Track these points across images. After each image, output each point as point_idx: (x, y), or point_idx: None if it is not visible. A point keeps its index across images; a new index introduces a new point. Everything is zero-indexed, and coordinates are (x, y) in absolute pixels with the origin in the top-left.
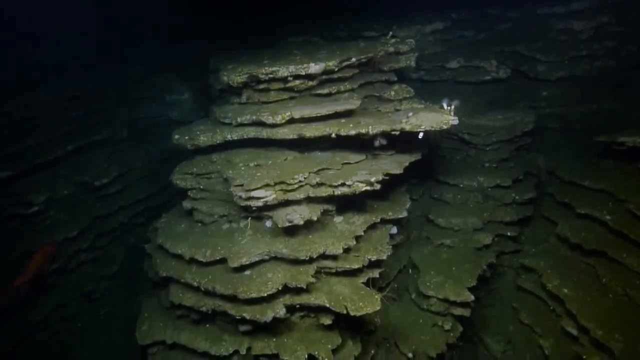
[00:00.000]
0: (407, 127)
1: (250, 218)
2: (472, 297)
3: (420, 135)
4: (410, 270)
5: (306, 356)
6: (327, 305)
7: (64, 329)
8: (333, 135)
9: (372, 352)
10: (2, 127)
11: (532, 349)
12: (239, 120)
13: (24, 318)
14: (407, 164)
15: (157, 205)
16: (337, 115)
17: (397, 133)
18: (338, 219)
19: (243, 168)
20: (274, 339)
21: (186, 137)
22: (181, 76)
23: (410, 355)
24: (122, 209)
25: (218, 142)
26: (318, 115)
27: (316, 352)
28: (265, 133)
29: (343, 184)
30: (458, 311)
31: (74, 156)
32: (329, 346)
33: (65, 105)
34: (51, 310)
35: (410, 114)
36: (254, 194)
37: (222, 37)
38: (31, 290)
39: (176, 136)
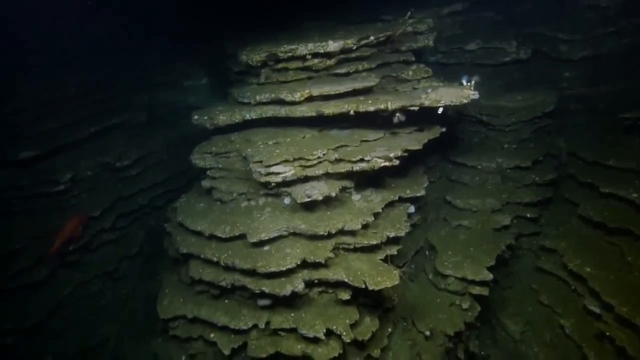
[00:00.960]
0: (427, 103)
1: (268, 195)
2: (491, 276)
3: (440, 110)
4: (427, 252)
5: (324, 330)
6: (346, 280)
7: (88, 306)
8: (352, 112)
9: (389, 330)
10: (28, 110)
11: (553, 329)
12: (257, 98)
13: (51, 293)
14: (425, 140)
15: (174, 189)
16: (355, 93)
17: (416, 109)
18: (356, 196)
19: (262, 146)
20: (292, 314)
21: (205, 117)
22: (198, 62)
23: (427, 333)
24: (142, 191)
25: (237, 121)
26: (337, 92)
27: (334, 327)
28: (283, 111)
29: (362, 160)
30: (476, 290)
31: (97, 138)
32: (347, 321)
33: (87, 89)
34: (76, 286)
35: (430, 90)
36: (274, 169)
37: (239, 23)
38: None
39: (195, 116)
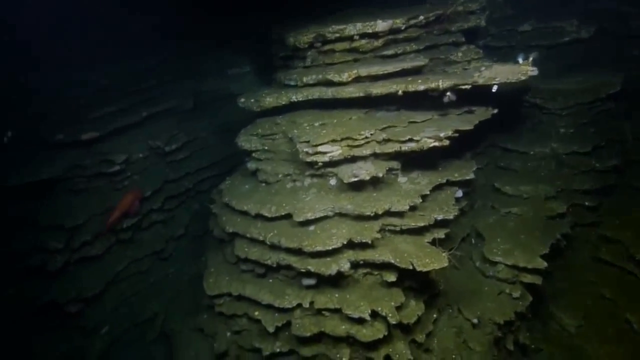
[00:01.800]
0: (481, 81)
1: (314, 177)
2: (545, 264)
3: (495, 88)
4: (472, 240)
5: (369, 312)
6: (392, 261)
7: (139, 282)
8: (400, 93)
9: (434, 316)
10: (89, 95)
11: (617, 323)
12: (304, 80)
13: (107, 267)
14: (477, 121)
15: (218, 174)
16: (404, 73)
17: (469, 87)
18: (402, 179)
19: (308, 128)
20: (337, 295)
21: (252, 100)
22: (243, 50)
23: (475, 321)
24: (188, 175)
25: (283, 103)
26: (385, 72)
27: (379, 309)
28: (330, 92)
29: (410, 140)
30: (528, 279)
31: (148, 122)
32: (393, 303)
33: (140, 75)
34: (129, 263)
35: (483, 69)
36: (321, 148)
37: (284, 10)
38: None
39: (242, 99)
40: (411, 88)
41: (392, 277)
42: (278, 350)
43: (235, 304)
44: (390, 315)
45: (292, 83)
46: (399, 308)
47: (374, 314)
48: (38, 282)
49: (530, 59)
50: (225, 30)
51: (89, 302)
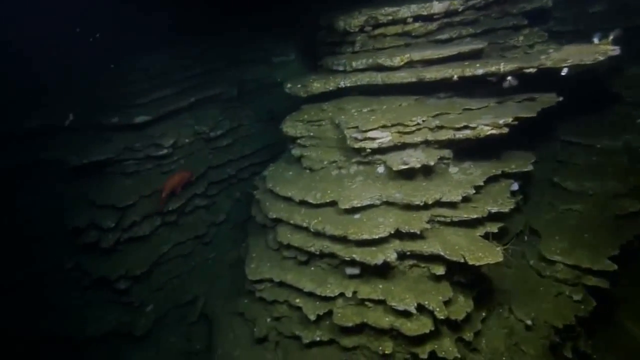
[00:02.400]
0: (549, 63)
1: (360, 164)
2: (615, 267)
3: (564, 71)
4: (525, 237)
5: (415, 305)
6: (442, 253)
7: (182, 264)
8: (455, 78)
9: (483, 314)
10: (141, 81)
11: None
12: (353, 65)
13: (153, 248)
14: (539, 109)
15: (259, 162)
16: (460, 57)
17: (534, 70)
18: (453, 169)
19: (356, 114)
20: (381, 286)
21: (299, 86)
22: (287, 37)
23: (528, 322)
24: (231, 161)
25: (331, 88)
26: (440, 56)
27: (426, 302)
28: (380, 78)
29: (466, 127)
30: (592, 281)
31: (195, 108)
32: (440, 298)
33: (188, 63)
34: (173, 245)
35: (551, 50)
36: (370, 134)
37: None
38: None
39: (289, 85)
40: (468, 72)
41: (440, 270)
42: (318, 338)
43: (276, 290)
44: (438, 309)
45: (341, 68)
46: (446, 303)
47: (420, 308)
48: (93, 257)
49: (611, 37)
50: (271, 18)
51: (136, 281)
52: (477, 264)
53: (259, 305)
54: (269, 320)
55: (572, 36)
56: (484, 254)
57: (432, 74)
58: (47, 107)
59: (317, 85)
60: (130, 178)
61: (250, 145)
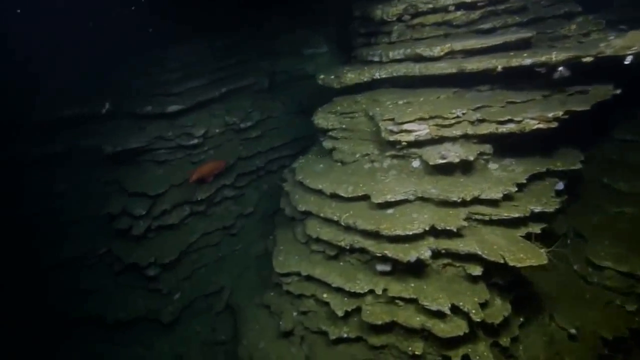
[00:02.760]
0: (609, 51)
1: (394, 157)
2: None
3: (628, 60)
4: (569, 241)
5: (449, 305)
6: (479, 253)
7: (209, 254)
8: (499, 69)
9: (522, 320)
10: (175, 70)
11: None
12: (390, 55)
13: (182, 237)
14: (594, 102)
15: (288, 155)
16: (505, 47)
17: (591, 60)
18: (493, 165)
19: (391, 106)
20: (412, 284)
21: (332, 77)
22: (319, 30)
23: (572, 331)
24: (260, 153)
25: (365, 80)
26: (483, 46)
27: (461, 304)
28: (417, 69)
29: (510, 121)
30: None
31: (226, 99)
32: (476, 299)
33: (220, 53)
34: (201, 235)
35: (612, 37)
36: (406, 127)
37: None
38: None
39: (321, 76)
40: (515, 63)
41: (476, 271)
42: (345, 335)
43: (304, 284)
44: (473, 311)
45: (376, 59)
46: (482, 306)
47: (454, 309)
48: (125, 244)
49: None
50: (303, 9)
51: (165, 268)
52: (519, 265)
53: (286, 299)
54: (295, 314)
55: (631, 25)
56: (526, 256)
57: (474, 64)
58: (85, 96)
59: (351, 76)
60: (161, 167)
61: (279, 137)
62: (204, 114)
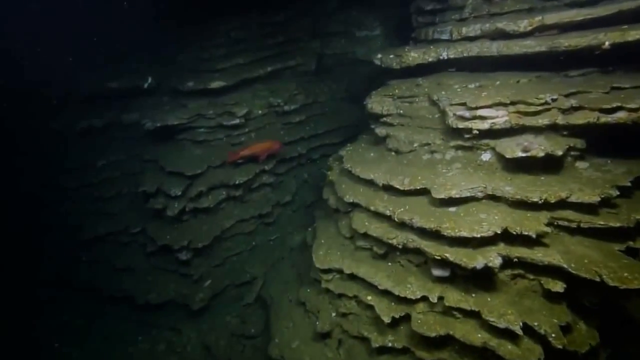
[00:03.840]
0: None
1: (459, 149)
2: None
3: None
4: None
5: (521, 324)
6: (565, 266)
7: (243, 243)
8: (607, 45)
9: (609, 351)
10: (220, 46)
11: None
12: (463, 32)
13: (216, 222)
14: None
15: (331, 144)
16: (616, 20)
17: None
18: (582, 163)
19: (460, 90)
20: (474, 295)
21: (391, 56)
22: (373, 10)
23: None
24: (302, 139)
25: (430, 60)
26: (587, 18)
27: (536, 324)
28: (494, 48)
29: (619, 108)
30: None
31: (271, 78)
32: (555, 321)
33: (268, 30)
34: (236, 221)
35: None
36: (481, 112)
37: None
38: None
39: (379, 55)
40: (633, 37)
41: (557, 287)
42: (390, 344)
43: (346, 282)
44: (553, 335)
45: (445, 37)
46: (562, 329)
47: (527, 330)
48: (158, 224)
49: None
50: None
51: (197, 253)
52: (622, 286)
53: (324, 297)
54: (333, 315)
55: None
56: (632, 276)
57: (572, 41)
58: (130, 70)
59: (414, 55)
60: (200, 147)
61: (323, 124)
62: (247, 93)
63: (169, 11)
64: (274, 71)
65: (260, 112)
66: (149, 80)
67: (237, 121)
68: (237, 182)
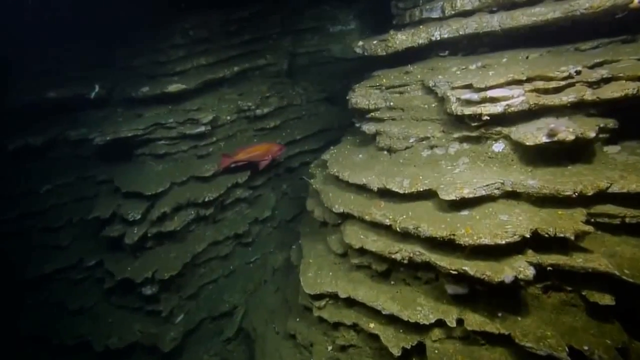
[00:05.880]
0: None
1: (464, 141)
2: None
3: None
4: None
5: (567, 350)
6: (616, 272)
7: (218, 268)
8: (637, 2)
9: None
10: (178, 47)
11: None
12: (457, 5)
13: (185, 247)
14: None
15: (311, 150)
16: None
17: None
18: (613, 147)
19: (459, 72)
20: (500, 314)
21: (374, 42)
22: (349, 3)
23: None
24: None
25: (421, 42)
26: None
27: (586, 348)
28: (496, 21)
29: None
30: None
31: (239, 80)
32: (609, 342)
33: (233, 27)
34: (208, 245)
35: None
36: (492, 93)
37: None
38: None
39: (359, 43)
40: None
41: (605, 299)
42: None
43: (342, 309)
44: None
45: (435, 14)
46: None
47: (575, 355)
48: (117, 255)
49: None
50: None
51: (164, 285)
52: None
53: (317, 328)
54: (330, 348)
55: None
56: None
57: (594, 1)
58: (73, 78)
59: (403, 38)
60: (161, 162)
61: (301, 128)
62: (213, 97)
63: (118, 9)
64: (242, 72)
65: (228, 117)
66: (96, 88)
67: (202, 129)
68: (207, 199)
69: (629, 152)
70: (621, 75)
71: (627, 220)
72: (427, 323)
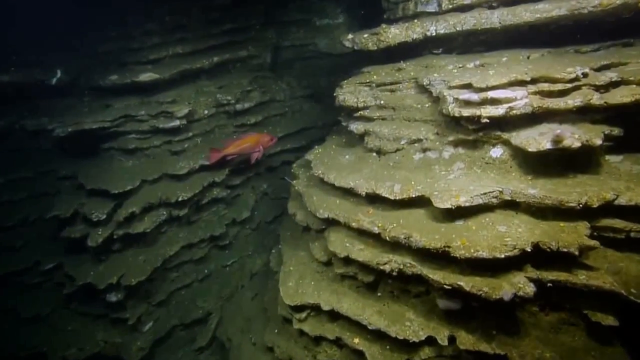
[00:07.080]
0: None
1: (459, 145)
2: None
3: None
4: None
5: None
6: (622, 292)
7: (191, 272)
8: None
9: None
10: (152, 33)
11: None
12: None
13: (156, 250)
14: None
15: (293, 149)
16: None
17: None
18: (615, 157)
19: (456, 71)
20: (494, 332)
21: (365, 36)
22: None
23: None
24: None
25: (416, 37)
26: None
27: None
28: (496, 18)
29: None
30: None
31: (218, 72)
32: None
33: (213, 15)
34: (181, 247)
35: None
36: (493, 94)
37: None
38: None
39: (349, 36)
40: None
41: (608, 320)
42: None
43: (325, 322)
44: None
45: (431, 8)
46: None
47: None
48: (78, 259)
49: None
50: None
51: (132, 291)
52: None
53: (297, 342)
54: None
55: None
56: None
57: None
58: (33, 62)
59: (396, 32)
60: (131, 157)
61: (283, 125)
62: (189, 89)
63: None
64: (222, 63)
65: (206, 112)
66: (58, 74)
67: (176, 123)
68: (180, 199)
69: (632, 161)
70: (632, 79)
71: (632, 234)
72: (417, 340)
